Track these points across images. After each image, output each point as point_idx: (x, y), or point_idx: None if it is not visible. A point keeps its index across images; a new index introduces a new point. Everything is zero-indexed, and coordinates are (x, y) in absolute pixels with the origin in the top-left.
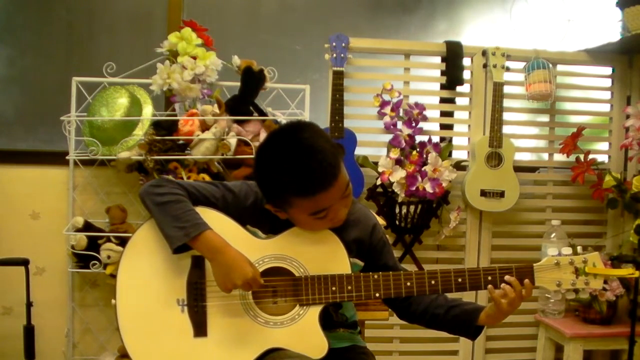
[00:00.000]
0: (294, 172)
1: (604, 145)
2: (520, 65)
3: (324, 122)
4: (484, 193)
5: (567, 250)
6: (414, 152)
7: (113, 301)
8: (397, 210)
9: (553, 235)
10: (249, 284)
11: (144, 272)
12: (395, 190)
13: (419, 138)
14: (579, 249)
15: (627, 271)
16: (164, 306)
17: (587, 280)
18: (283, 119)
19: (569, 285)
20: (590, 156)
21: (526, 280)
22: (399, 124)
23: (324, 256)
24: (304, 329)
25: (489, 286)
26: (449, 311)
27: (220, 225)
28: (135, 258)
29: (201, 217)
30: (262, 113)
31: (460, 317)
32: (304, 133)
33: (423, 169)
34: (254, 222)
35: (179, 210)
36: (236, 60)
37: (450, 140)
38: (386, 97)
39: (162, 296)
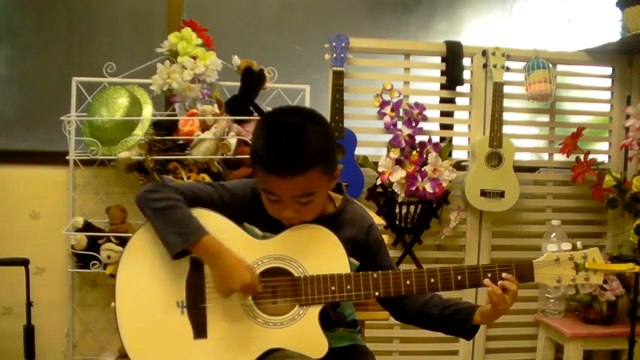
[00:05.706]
0: (266, 139)
1: (604, 145)
2: (520, 65)
3: None
4: (484, 193)
5: (567, 246)
6: (414, 152)
7: (113, 304)
8: (397, 210)
9: (553, 235)
10: (246, 289)
11: (144, 273)
12: (395, 190)
13: (419, 138)
14: (578, 244)
15: (627, 266)
16: (164, 308)
17: (587, 276)
18: None
19: (569, 281)
20: (590, 156)
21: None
22: (399, 124)
23: (322, 256)
24: (303, 329)
25: (488, 285)
26: (444, 311)
27: (218, 227)
28: (135, 259)
29: (199, 222)
30: (262, 113)
31: (455, 316)
32: (304, 119)
33: (423, 169)
34: (250, 219)
35: (177, 216)
36: (236, 60)
37: (450, 140)
38: (386, 97)
39: (162, 298)
